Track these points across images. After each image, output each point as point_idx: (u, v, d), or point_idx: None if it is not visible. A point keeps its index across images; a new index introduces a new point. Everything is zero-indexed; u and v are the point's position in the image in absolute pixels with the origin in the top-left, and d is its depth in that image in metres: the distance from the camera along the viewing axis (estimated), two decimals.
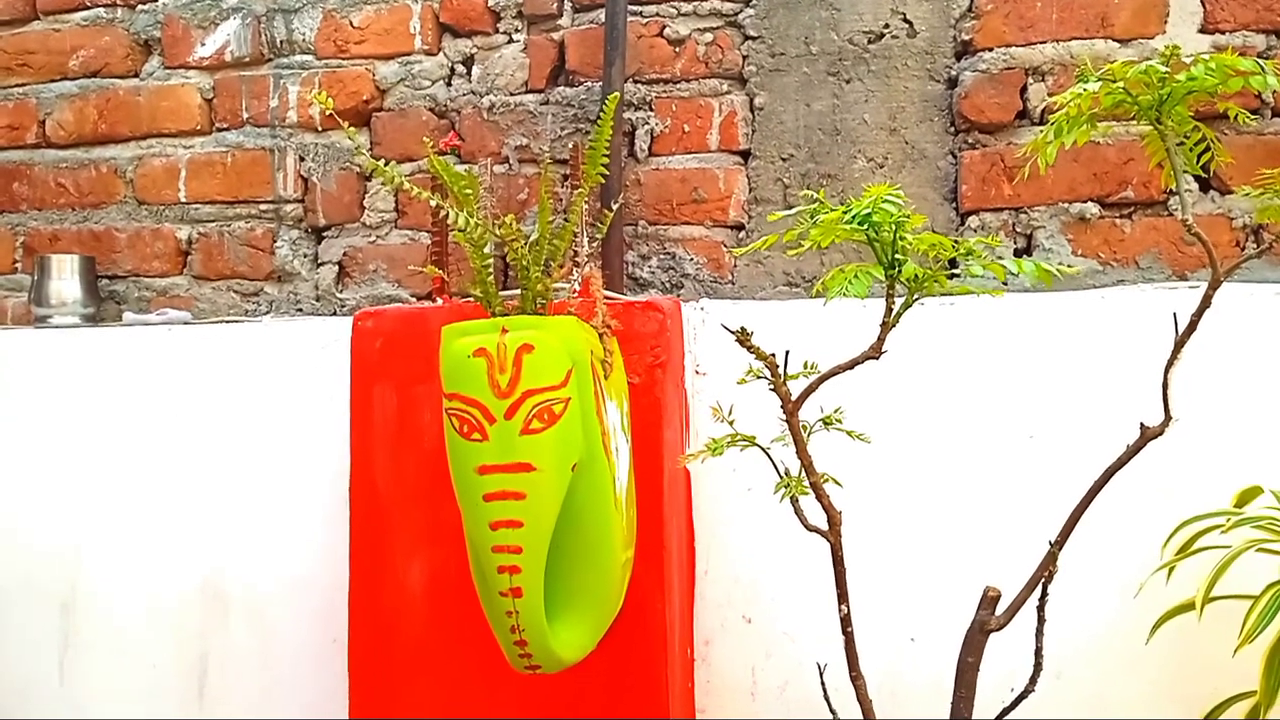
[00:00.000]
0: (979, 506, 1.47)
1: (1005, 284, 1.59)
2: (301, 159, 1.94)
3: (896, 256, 0.89)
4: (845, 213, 0.87)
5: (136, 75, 2.03)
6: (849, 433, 1.10)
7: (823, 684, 1.23)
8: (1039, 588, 1.10)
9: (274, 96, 1.95)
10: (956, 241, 0.97)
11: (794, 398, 1.00)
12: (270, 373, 1.74)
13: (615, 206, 1.48)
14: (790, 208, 1.74)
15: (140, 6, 2.02)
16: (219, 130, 1.99)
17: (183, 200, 1.99)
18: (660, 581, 1.37)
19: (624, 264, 1.77)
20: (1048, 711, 1.37)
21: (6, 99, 2.08)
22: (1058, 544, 1.08)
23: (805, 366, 1.01)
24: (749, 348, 0.93)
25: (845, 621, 1.11)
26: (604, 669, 1.36)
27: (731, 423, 1.07)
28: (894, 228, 0.86)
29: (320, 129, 1.93)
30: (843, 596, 1.10)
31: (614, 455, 1.25)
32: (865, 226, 0.87)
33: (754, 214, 1.74)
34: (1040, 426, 1.46)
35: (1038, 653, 1.10)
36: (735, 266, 1.75)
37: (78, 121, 2.04)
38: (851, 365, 0.96)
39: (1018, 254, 1.64)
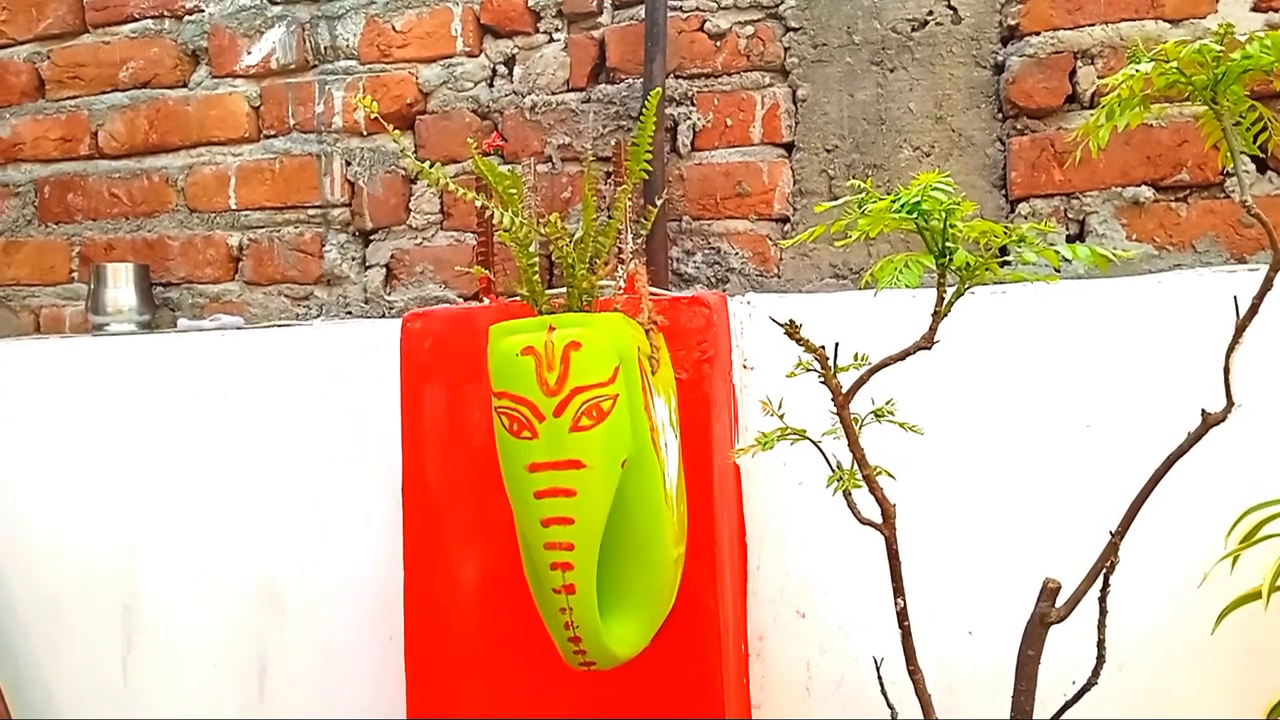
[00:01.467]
0: (1036, 497, 1.44)
1: (1059, 271, 1.57)
2: (347, 163, 1.96)
3: (947, 245, 0.88)
4: (894, 201, 0.86)
5: (185, 85, 2.06)
6: (901, 424, 1.09)
7: (879, 678, 1.21)
8: (1100, 579, 1.08)
9: (319, 102, 1.97)
10: (1008, 228, 0.95)
11: (844, 390, 0.99)
12: (321, 375, 1.76)
13: (659, 203, 1.48)
14: (836, 199, 1.73)
15: (187, 17, 2.05)
16: (266, 137, 2.01)
17: (233, 207, 2.02)
18: (712, 577, 1.37)
19: (668, 259, 1.77)
20: (1110, 705, 1.35)
21: (59, 112, 2.13)
22: (1119, 534, 1.06)
23: (855, 358, 1.00)
24: (798, 340, 0.92)
25: (902, 615, 1.10)
26: (658, 665, 1.36)
27: (781, 416, 1.06)
28: (944, 215, 0.84)
29: (365, 133, 1.95)
30: (899, 590, 1.09)
31: (663, 451, 1.25)
32: (914, 215, 0.85)
33: (799, 206, 1.73)
34: (1098, 415, 1.43)
35: (1100, 645, 1.08)
36: (781, 260, 1.74)
37: (129, 132, 2.08)
38: (903, 356, 0.95)
39: (1070, 240, 1.61)
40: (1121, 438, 1.41)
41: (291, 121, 1.99)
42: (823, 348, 0.94)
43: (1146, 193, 1.57)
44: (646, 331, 1.34)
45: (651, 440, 1.21)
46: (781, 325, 0.91)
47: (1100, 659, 1.09)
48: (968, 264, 0.92)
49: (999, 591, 1.44)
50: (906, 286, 0.85)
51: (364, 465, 1.70)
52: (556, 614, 1.14)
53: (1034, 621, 1.11)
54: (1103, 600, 1.08)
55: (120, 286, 1.94)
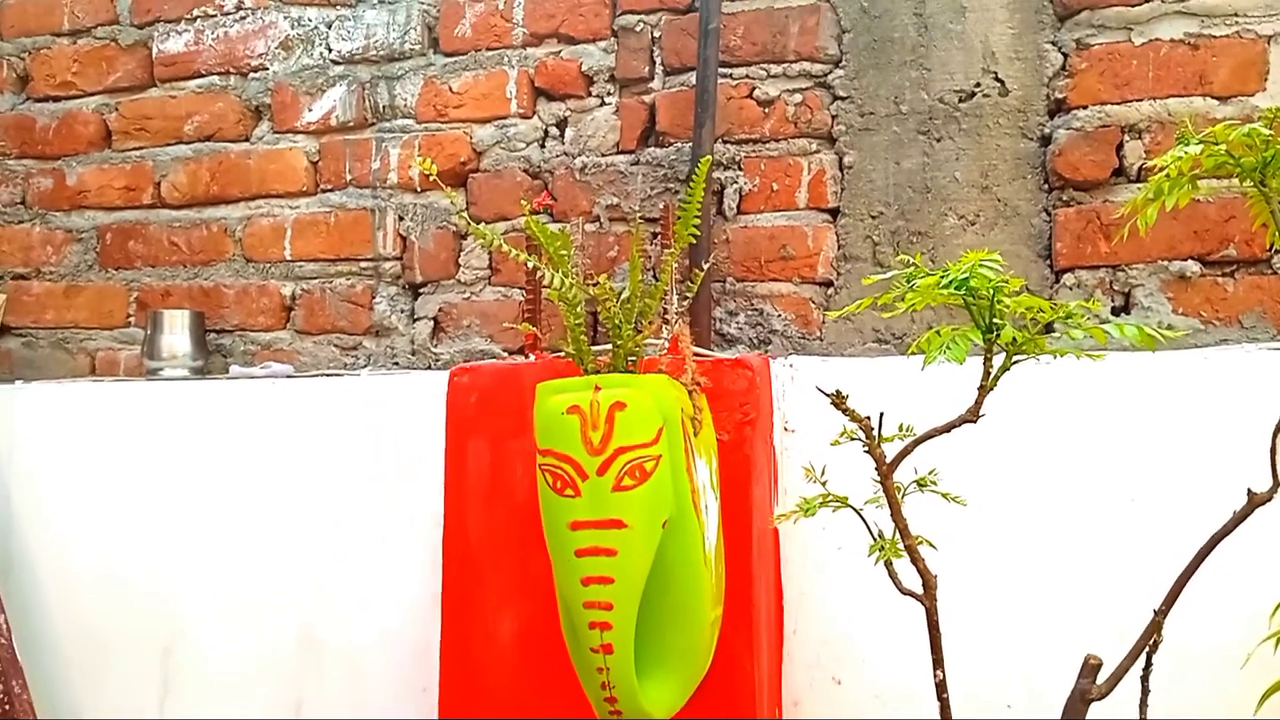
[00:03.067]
0: (1079, 571, 1.43)
1: (1105, 347, 1.57)
2: (400, 218, 2.01)
3: (994, 321, 0.89)
4: (943, 277, 0.87)
5: (247, 139, 2.13)
6: (944, 495, 1.09)
7: None
8: (1143, 657, 1.07)
9: (375, 159, 2.03)
10: (1055, 303, 0.96)
11: (889, 460, 0.99)
12: (368, 425, 1.78)
13: (705, 267, 1.50)
14: (880, 264, 1.75)
15: (252, 74, 2.12)
16: (323, 191, 2.07)
17: (288, 258, 2.07)
18: (749, 640, 1.37)
19: (711, 320, 1.78)
20: None
21: (125, 161, 2.20)
22: (1162, 612, 1.05)
23: (901, 430, 1.01)
24: (844, 410, 0.93)
25: (941, 687, 1.09)
26: None
27: (824, 483, 1.07)
28: (992, 292, 0.86)
29: (419, 190, 2.00)
30: (938, 662, 1.08)
31: (703, 513, 1.25)
32: (963, 291, 0.87)
33: (843, 271, 1.75)
34: (1142, 489, 1.42)
35: None
36: (824, 323, 1.75)
37: (191, 183, 2.14)
38: (948, 429, 0.96)
39: (1115, 312, 1.62)
40: (1166, 513, 1.40)
41: (348, 177, 2.05)
42: (868, 418, 0.95)
43: (1193, 267, 1.58)
44: (690, 393, 1.36)
45: (693, 501, 1.23)
46: (828, 395, 0.92)
47: None
48: (1014, 339, 0.93)
49: (1040, 667, 1.42)
50: (954, 361, 0.86)
51: (406, 516, 1.72)
52: (594, 673, 1.14)
53: (1075, 698, 1.09)
54: (1145, 679, 1.07)
55: (176, 333, 1.99)
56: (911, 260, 0.91)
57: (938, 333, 0.91)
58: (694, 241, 1.36)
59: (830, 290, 1.76)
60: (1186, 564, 1.07)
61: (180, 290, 2.14)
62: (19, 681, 1.78)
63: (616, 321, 1.30)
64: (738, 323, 1.80)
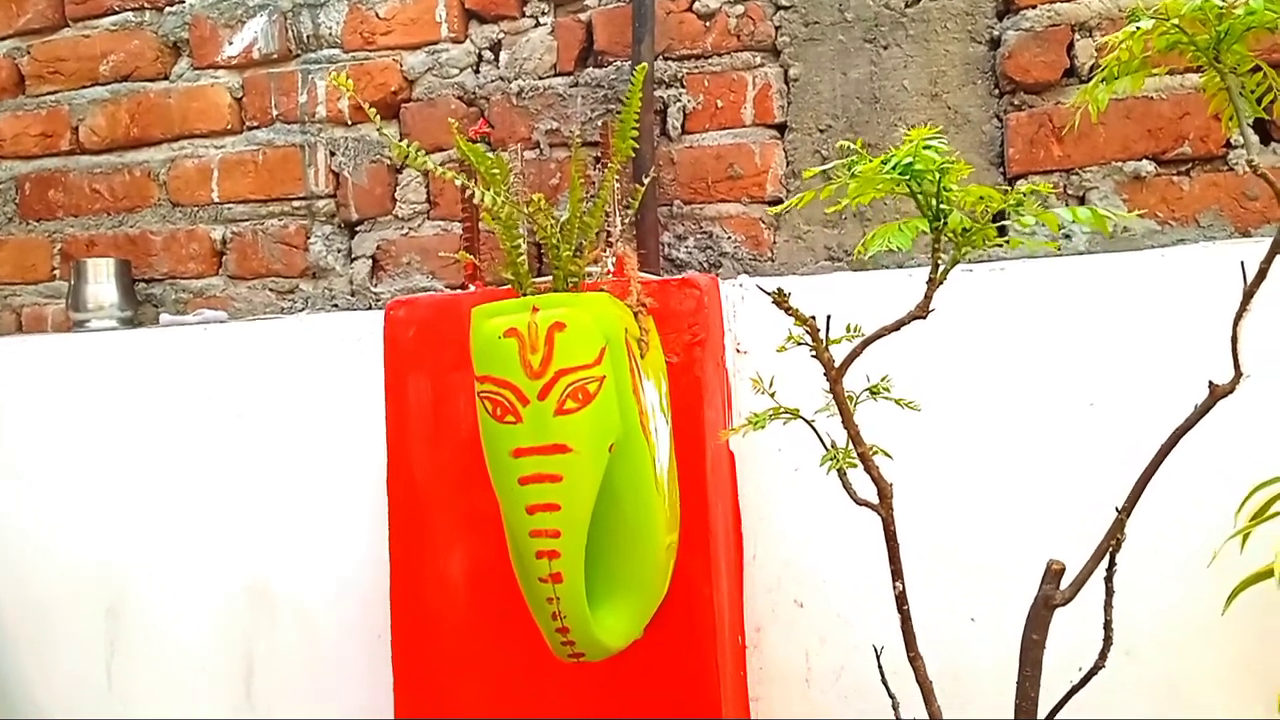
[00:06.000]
0: (1040, 478, 1.40)
1: (1059, 238, 1.53)
2: (332, 154, 1.92)
3: (941, 207, 0.84)
4: (884, 162, 0.82)
5: (166, 77, 2.02)
6: (898, 401, 1.05)
7: (880, 667, 1.17)
8: (1106, 558, 1.04)
9: (302, 92, 1.94)
10: (1005, 191, 0.91)
11: (838, 364, 0.95)
12: (306, 368, 1.72)
13: (646, 181, 1.44)
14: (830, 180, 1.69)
15: (168, 8, 2.01)
16: (249, 129, 1.98)
17: (216, 200, 1.99)
18: (707, 566, 1.33)
19: (660, 245, 1.73)
20: (1118, 689, 1.31)
21: (40, 107, 2.09)
22: (1125, 510, 1.01)
23: (849, 330, 0.96)
24: (788, 310, 0.88)
25: (900, 599, 1.06)
26: (652, 658, 1.32)
27: (773, 394, 1.02)
28: (938, 175, 0.80)
29: (350, 123, 1.91)
30: (897, 573, 1.05)
31: (653, 436, 1.21)
32: (907, 176, 0.81)
33: (792, 188, 1.69)
34: (1101, 393, 1.39)
35: (1107, 627, 1.04)
36: (775, 244, 1.70)
37: (110, 126, 2.04)
38: (897, 327, 0.91)
39: None
40: (1126, 415, 1.37)
41: (274, 112, 1.96)
42: (813, 318, 0.90)
43: (1148, 167, 1.54)
44: (635, 314, 1.30)
45: (640, 424, 1.18)
46: (770, 294, 0.87)
47: (1107, 641, 1.04)
48: (965, 229, 0.88)
49: (1002, 576, 1.40)
50: (899, 249, 0.81)
51: (350, 460, 1.66)
52: (544, 604, 1.10)
53: (1038, 604, 1.06)
54: (1109, 580, 1.04)
55: (101, 282, 1.90)
56: (853, 148, 0.85)
57: (885, 227, 0.86)
58: (633, 155, 1.30)
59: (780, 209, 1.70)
60: (1149, 462, 1.04)
61: (105, 240, 2.05)
62: None
63: (554, 242, 1.24)
64: (687, 247, 1.74)
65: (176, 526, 1.76)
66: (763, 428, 1.02)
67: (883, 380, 1.06)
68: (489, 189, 1.22)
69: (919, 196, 0.85)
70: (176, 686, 1.74)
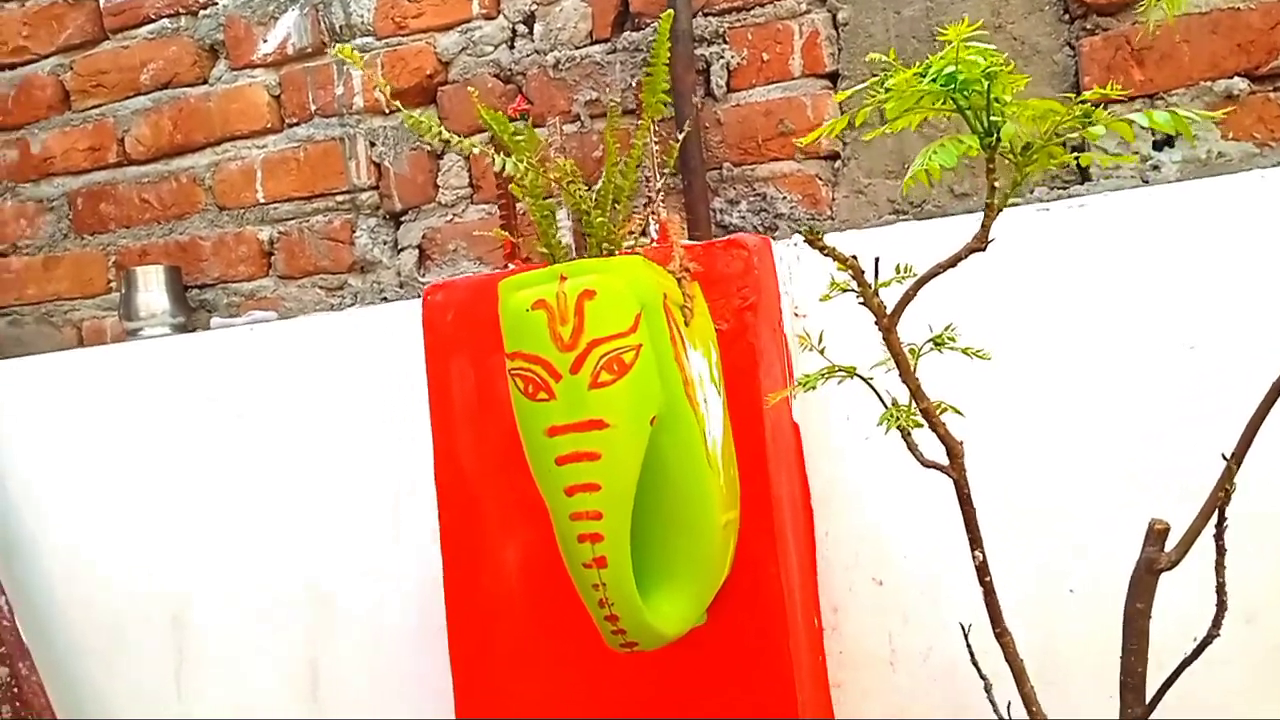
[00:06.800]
0: (1136, 431, 1.27)
1: (1146, 170, 1.39)
2: (372, 144, 1.87)
3: (993, 121, 0.73)
4: (921, 75, 0.71)
5: (205, 81, 2.00)
6: (965, 350, 0.94)
7: (969, 646, 1.07)
8: (1215, 513, 0.92)
9: (339, 84, 1.89)
10: (1071, 103, 0.80)
11: (889, 311, 0.85)
12: (354, 363, 1.67)
13: (682, 136, 1.35)
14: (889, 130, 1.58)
15: (202, 12, 1.99)
16: (289, 126, 1.94)
17: (261, 201, 1.95)
18: (772, 544, 1.23)
19: (710, 211, 1.63)
20: (1237, 660, 1.18)
21: (86, 121, 2.09)
22: (1235, 458, 0.89)
23: (899, 271, 0.86)
24: (823, 250, 0.78)
25: (982, 570, 0.95)
26: (718, 643, 1.23)
27: (821, 350, 0.92)
28: (986, 81, 0.70)
29: (388, 111, 1.86)
30: (975, 541, 0.94)
31: (701, 407, 1.12)
32: (949, 87, 0.71)
33: (849, 140, 1.58)
34: (1201, 336, 1.25)
35: (1220, 590, 0.92)
36: (834, 200, 1.59)
37: (154, 135, 2.03)
38: (953, 263, 0.81)
39: (1157, 146, 1.44)
40: (1231, 356, 1.23)
41: (313, 107, 1.91)
42: (855, 257, 0.80)
43: (1240, 84, 1.39)
44: (679, 280, 1.21)
45: (686, 394, 1.09)
46: (803, 234, 0.77)
47: (1221, 606, 0.92)
48: (1027, 145, 0.77)
49: (1100, 540, 1.27)
50: (944, 165, 0.71)
51: (400, 453, 1.61)
52: (590, 590, 1.02)
53: (1140, 569, 0.95)
54: (1219, 538, 0.92)
55: (151, 290, 1.88)
56: (886, 61, 0.75)
57: (934, 145, 0.76)
58: (664, 110, 1.21)
59: (837, 163, 1.59)
60: (1258, 405, 0.92)
61: (157, 248, 2.03)
62: (26, 663, 1.71)
63: (585, 207, 1.16)
64: (740, 211, 1.64)
65: (234, 530, 1.73)
66: (814, 388, 0.93)
67: (947, 329, 0.96)
68: (509, 155, 1.15)
69: (967, 112, 0.74)
70: (244, 693, 1.71)
